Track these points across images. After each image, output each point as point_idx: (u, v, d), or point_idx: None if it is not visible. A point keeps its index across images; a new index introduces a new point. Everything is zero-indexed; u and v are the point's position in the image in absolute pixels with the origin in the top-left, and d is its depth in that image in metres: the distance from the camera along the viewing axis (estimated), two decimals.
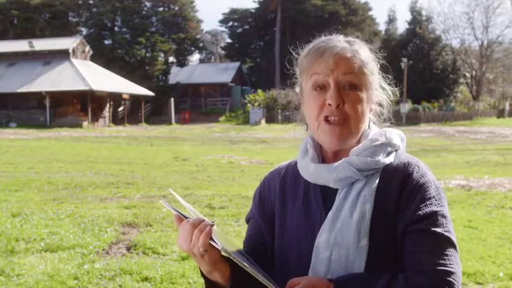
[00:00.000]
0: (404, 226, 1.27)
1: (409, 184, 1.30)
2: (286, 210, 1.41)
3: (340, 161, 1.33)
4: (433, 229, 1.26)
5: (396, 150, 1.37)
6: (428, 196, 1.29)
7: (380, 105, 1.42)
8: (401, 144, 1.39)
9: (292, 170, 1.46)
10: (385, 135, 1.37)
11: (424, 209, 1.27)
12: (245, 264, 1.20)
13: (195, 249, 1.21)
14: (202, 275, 1.32)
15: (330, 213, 1.31)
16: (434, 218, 1.27)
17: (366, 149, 1.33)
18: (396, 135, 1.39)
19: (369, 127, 1.40)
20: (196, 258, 1.25)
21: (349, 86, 1.31)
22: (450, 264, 1.23)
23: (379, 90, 1.40)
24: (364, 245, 1.26)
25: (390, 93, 1.44)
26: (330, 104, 1.30)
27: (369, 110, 1.38)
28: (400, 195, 1.29)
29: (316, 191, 1.38)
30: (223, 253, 1.23)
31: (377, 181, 1.31)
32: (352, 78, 1.31)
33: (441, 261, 1.23)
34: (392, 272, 1.24)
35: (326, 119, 1.32)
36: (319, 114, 1.33)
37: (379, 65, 1.41)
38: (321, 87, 1.32)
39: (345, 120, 1.31)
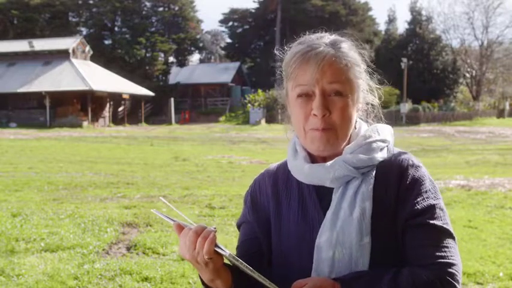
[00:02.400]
0: (404, 220, 1.28)
1: (406, 178, 1.31)
2: (281, 212, 1.40)
3: (334, 160, 1.32)
4: (432, 222, 1.27)
5: (387, 146, 1.38)
6: (425, 190, 1.31)
7: (368, 104, 1.42)
8: (391, 139, 1.41)
9: (283, 171, 1.45)
10: (377, 131, 1.38)
11: (422, 202, 1.29)
12: (252, 269, 1.19)
13: (200, 257, 1.18)
14: (203, 283, 1.30)
15: (329, 213, 1.30)
16: (432, 211, 1.29)
17: (360, 146, 1.33)
18: (387, 130, 1.41)
19: (356, 126, 1.40)
20: (199, 267, 1.22)
21: (335, 93, 1.30)
22: (451, 256, 1.25)
23: (365, 91, 1.40)
24: (366, 243, 1.26)
25: (378, 91, 1.43)
26: (315, 115, 1.29)
27: (356, 111, 1.37)
28: (397, 190, 1.30)
29: (310, 191, 1.37)
30: (229, 259, 1.20)
31: (373, 178, 1.31)
32: (338, 86, 1.30)
33: (442, 254, 1.25)
34: (396, 267, 1.25)
35: (312, 129, 1.32)
36: (305, 124, 1.32)
37: (365, 64, 1.39)
38: (306, 95, 1.31)
39: (332, 128, 1.31)
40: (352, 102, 1.33)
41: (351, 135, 1.37)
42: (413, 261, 1.26)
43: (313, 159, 1.38)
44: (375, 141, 1.35)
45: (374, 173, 1.32)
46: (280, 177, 1.45)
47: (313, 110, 1.29)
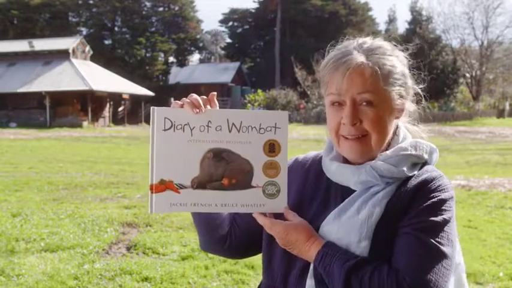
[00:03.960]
0: (400, 227, 1.26)
1: (422, 194, 1.28)
2: (303, 199, 1.42)
3: (364, 164, 1.32)
4: (420, 235, 1.23)
5: (424, 163, 1.35)
6: (433, 206, 1.26)
7: (412, 108, 1.40)
8: (431, 157, 1.38)
9: (316, 165, 1.46)
10: (416, 146, 1.35)
11: (424, 215, 1.25)
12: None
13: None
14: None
15: (338, 207, 1.31)
16: (430, 225, 1.24)
17: (393, 156, 1.31)
18: (427, 148, 1.38)
19: (398, 133, 1.38)
20: None
21: (366, 103, 1.29)
22: (424, 274, 1.18)
23: (408, 97, 1.37)
24: (364, 247, 1.25)
25: (421, 94, 1.40)
26: (344, 124, 1.31)
27: (394, 118, 1.35)
28: (410, 204, 1.27)
29: (337, 190, 1.38)
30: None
31: (395, 189, 1.29)
32: (369, 96, 1.28)
33: (414, 266, 1.19)
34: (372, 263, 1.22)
35: (345, 137, 1.32)
36: (337, 131, 1.33)
37: (407, 69, 1.36)
38: (338, 104, 1.31)
39: (364, 137, 1.31)
40: (388, 110, 1.31)
41: (390, 142, 1.35)
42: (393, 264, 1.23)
43: (345, 159, 1.38)
44: (409, 155, 1.32)
45: (397, 185, 1.30)
46: (312, 170, 1.46)
47: (343, 118, 1.30)
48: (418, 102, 1.44)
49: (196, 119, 1.27)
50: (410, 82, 1.37)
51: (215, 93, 1.34)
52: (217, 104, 1.33)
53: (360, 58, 1.29)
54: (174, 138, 1.27)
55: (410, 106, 1.40)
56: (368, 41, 1.34)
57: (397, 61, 1.33)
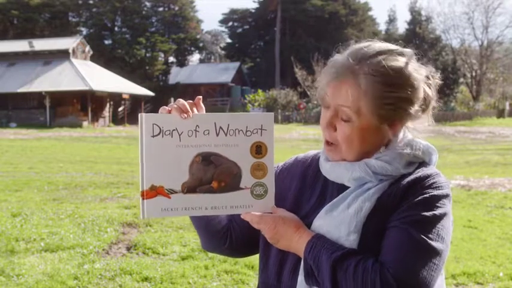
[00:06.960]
0: (390, 221, 1.25)
1: (415, 190, 1.27)
2: (301, 197, 1.43)
3: (358, 161, 1.33)
4: (409, 228, 1.21)
5: (420, 163, 1.35)
6: (425, 201, 1.25)
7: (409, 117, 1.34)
8: (430, 158, 1.37)
9: (315, 164, 1.47)
10: (412, 145, 1.35)
11: (415, 210, 1.24)
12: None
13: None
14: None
15: (332, 201, 1.32)
16: (420, 219, 1.23)
17: (388, 154, 1.32)
18: (424, 148, 1.37)
19: (399, 134, 1.37)
20: None
21: (342, 118, 1.30)
22: (409, 267, 1.17)
23: (403, 120, 1.33)
24: (353, 240, 1.25)
25: (414, 107, 1.31)
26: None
27: (376, 131, 1.32)
28: (402, 199, 1.27)
29: (333, 188, 1.38)
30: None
31: (387, 185, 1.30)
32: (347, 111, 1.28)
33: (399, 258, 1.18)
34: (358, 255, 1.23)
35: (326, 140, 1.36)
36: (323, 132, 1.36)
37: (408, 80, 1.29)
38: (326, 106, 1.34)
39: (337, 146, 1.34)
40: (366, 130, 1.30)
41: (388, 141, 1.35)
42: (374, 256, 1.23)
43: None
44: (404, 154, 1.32)
45: (391, 182, 1.30)
46: (311, 168, 1.47)
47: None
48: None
49: (184, 124, 1.29)
50: (412, 106, 1.31)
51: (201, 97, 1.36)
52: (204, 107, 1.36)
53: (346, 72, 1.28)
54: (163, 144, 1.28)
55: (404, 122, 1.35)
56: (367, 49, 1.31)
57: (395, 75, 1.28)
